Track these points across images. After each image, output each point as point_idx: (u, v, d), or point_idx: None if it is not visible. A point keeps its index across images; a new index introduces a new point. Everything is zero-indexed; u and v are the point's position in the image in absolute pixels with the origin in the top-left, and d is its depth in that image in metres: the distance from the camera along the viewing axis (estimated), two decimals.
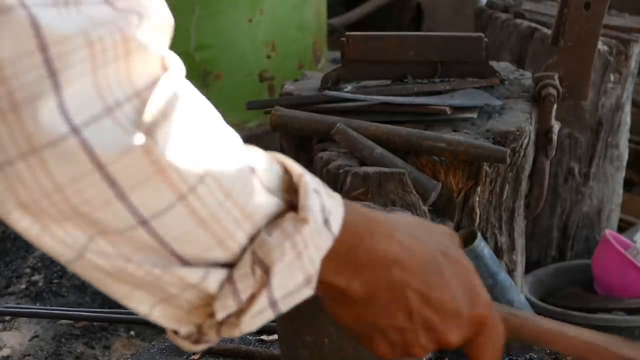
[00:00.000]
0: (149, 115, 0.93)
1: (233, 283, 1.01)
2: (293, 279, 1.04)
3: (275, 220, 1.02)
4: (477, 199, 2.35)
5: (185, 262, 0.98)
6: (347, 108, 2.44)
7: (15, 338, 2.79)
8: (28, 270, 3.13)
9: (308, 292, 1.06)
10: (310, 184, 1.05)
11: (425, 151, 2.26)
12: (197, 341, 1.04)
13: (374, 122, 2.33)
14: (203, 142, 0.97)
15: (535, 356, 1.67)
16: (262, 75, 3.42)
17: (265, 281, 1.02)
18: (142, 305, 1.00)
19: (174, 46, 3.61)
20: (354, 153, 2.25)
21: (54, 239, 0.94)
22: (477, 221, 2.38)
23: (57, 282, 3.06)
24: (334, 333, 1.36)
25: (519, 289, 2.54)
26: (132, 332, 2.88)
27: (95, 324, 2.85)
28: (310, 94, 2.58)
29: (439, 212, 2.33)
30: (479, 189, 2.34)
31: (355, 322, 1.12)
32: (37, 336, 2.79)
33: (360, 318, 1.11)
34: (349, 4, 5.40)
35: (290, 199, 1.04)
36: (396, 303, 1.10)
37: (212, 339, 1.04)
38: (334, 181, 2.21)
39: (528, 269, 3.11)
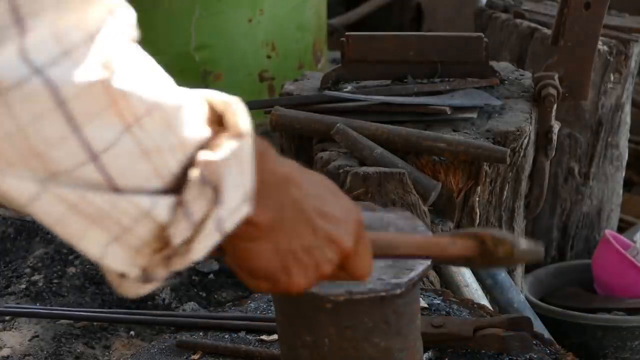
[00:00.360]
0: (102, 53, 0.98)
1: (185, 206, 1.03)
2: (236, 195, 1.06)
3: (210, 142, 1.05)
4: (477, 199, 2.35)
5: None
6: (347, 108, 2.44)
7: (15, 338, 2.79)
8: (28, 270, 3.13)
9: (246, 209, 1.08)
10: (242, 106, 1.09)
11: (425, 151, 2.26)
12: (146, 280, 1.06)
13: (374, 122, 2.33)
14: (148, 77, 1.03)
15: (535, 356, 1.66)
16: (262, 75, 3.43)
17: (215, 199, 1.04)
18: (95, 246, 1.03)
19: (174, 46, 3.63)
20: (354, 153, 2.25)
21: (14, 179, 0.97)
22: (477, 221, 2.38)
23: (57, 282, 3.06)
24: (334, 333, 1.36)
25: (519, 288, 2.54)
26: (132, 332, 2.88)
27: (95, 323, 2.85)
28: (310, 94, 2.58)
29: (439, 212, 2.33)
30: (478, 189, 2.34)
31: (271, 255, 1.14)
32: (37, 336, 2.79)
33: (275, 247, 1.13)
34: (349, 4, 5.40)
35: (216, 129, 1.08)
36: (300, 221, 1.15)
37: (161, 275, 1.07)
38: (334, 181, 2.20)
39: (528, 269, 3.11)
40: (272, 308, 1.81)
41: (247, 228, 1.10)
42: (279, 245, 1.13)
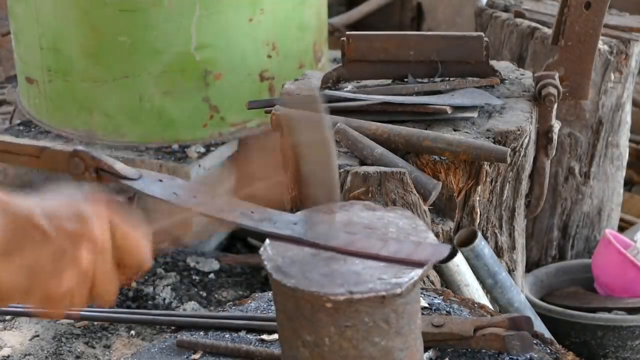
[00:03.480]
0: None
1: None
2: None
3: None
4: (478, 198, 2.35)
5: None
6: (347, 108, 2.44)
7: (16, 337, 2.79)
8: None
9: None
10: None
11: (425, 151, 2.26)
12: None
13: (375, 122, 2.33)
14: None
15: (536, 356, 1.66)
16: (263, 75, 3.42)
17: None
18: None
19: (175, 46, 3.63)
20: (355, 152, 2.25)
21: None
22: (478, 221, 2.38)
23: None
24: (334, 332, 1.36)
25: (520, 288, 2.54)
26: (132, 332, 2.88)
27: (95, 323, 2.85)
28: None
29: (440, 211, 2.33)
30: (479, 188, 2.34)
31: (11, 275, 1.18)
32: (37, 335, 2.79)
33: (12, 266, 1.18)
34: (349, 4, 5.41)
35: None
36: (27, 233, 1.19)
37: None
38: None
39: (528, 269, 3.11)
40: (273, 308, 1.81)
41: None
42: (16, 263, 1.17)
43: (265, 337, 1.78)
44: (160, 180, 1.51)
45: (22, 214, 1.19)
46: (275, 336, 1.74)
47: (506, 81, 2.64)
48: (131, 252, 1.25)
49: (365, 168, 2.18)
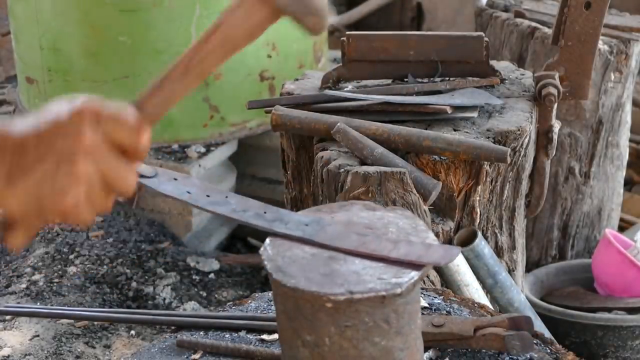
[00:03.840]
0: None
1: None
2: None
3: None
4: (478, 198, 2.35)
5: None
6: (347, 107, 2.44)
7: (16, 337, 2.79)
8: (28, 269, 3.13)
9: None
10: None
11: (425, 150, 2.26)
12: None
13: (375, 122, 2.33)
14: None
15: (536, 356, 1.66)
16: (263, 75, 3.43)
17: None
18: None
19: (175, 46, 3.63)
20: (355, 152, 2.25)
21: None
22: (478, 221, 2.38)
23: (58, 281, 3.06)
24: (334, 332, 1.36)
25: (520, 288, 2.54)
26: (132, 332, 2.88)
27: (95, 323, 2.86)
28: (310, 93, 2.58)
29: (440, 211, 2.33)
30: (479, 188, 2.34)
31: (16, 199, 1.19)
32: (37, 335, 2.79)
33: (17, 190, 1.19)
34: (349, 4, 5.41)
35: None
36: (20, 154, 1.20)
37: None
38: (334, 180, 2.21)
39: (529, 269, 3.11)
40: (273, 308, 1.81)
41: None
42: (21, 189, 1.19)
43: (265, 337, 1.78)
44: (175, 179, 1.51)
45: (15, 141, 1.20)
46: (275, 336, 1.74)
47: (506, 81, 2.64)
48: (127, 136, 1.24)
49: (365, 168, 2.18)
